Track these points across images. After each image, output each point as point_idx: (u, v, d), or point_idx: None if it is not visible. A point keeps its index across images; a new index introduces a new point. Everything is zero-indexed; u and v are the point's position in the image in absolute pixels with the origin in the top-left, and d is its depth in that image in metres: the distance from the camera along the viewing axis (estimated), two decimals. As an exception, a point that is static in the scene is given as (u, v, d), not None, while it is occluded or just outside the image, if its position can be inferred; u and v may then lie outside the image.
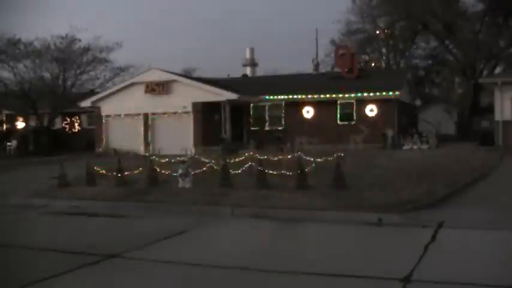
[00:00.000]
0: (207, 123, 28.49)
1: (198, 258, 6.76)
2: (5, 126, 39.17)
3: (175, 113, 28.86)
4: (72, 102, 33.04)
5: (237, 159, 14.38)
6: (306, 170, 12.00)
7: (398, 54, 45.85)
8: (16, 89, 33.74)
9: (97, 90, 35.02)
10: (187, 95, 28.49)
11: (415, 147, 25.96)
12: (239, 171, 13.05)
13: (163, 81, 29.18)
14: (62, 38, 33.22)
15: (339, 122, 29.45)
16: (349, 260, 6.60)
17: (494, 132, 25.00)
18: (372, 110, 28.89)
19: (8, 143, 34.30)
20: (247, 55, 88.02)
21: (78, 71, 34.62)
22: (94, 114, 31.98)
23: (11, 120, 38.63)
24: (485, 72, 38.48)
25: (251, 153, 15.47)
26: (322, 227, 8.67)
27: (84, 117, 37.07)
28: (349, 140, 26.59)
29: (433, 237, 7.39)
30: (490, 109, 30.56)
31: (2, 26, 74.68)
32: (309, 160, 13.21)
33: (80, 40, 33.75)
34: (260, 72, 77.26)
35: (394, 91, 28.82)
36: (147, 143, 29.37)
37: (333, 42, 43.95)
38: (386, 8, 41.67)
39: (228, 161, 12.90)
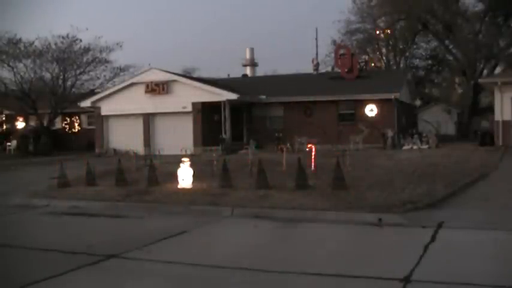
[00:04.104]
0: (207, 123, 28.48)
1: (198, 259, 6.77)
2: (5, 126, 39.15)
3: (175, 113, 28.84)
4: (72, 102, 33.05)
5: (237, 159, 14.38)
6: (306, 170, 11.99)
7: (398, 54, 45.83)
8: (16, 89, 33.73)
9: (97, 90, 35.00)
10: (187, 95, 28.48)
11: (415, 147, 25.93)
12: (239, 171, 13.05)
13: (163, 81, 29.18)
14: (63, 38, 33.22)
15: (339, 122, 29.47)
16: (349, 260, 6.60)
17: (494, 132, 25.00)
18: (371, 110, 28.89)
19: (8, 143, 34.30)
20: (247, 55, 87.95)
21: (78, 71, 34.61)
22: (94, 114, 31.97)
23: (11, 120, 38.62)
24: (485, 72, 38.46)
25: (251, 153, 15.48)
26: (322, 227, 8.67)
27: (84, 117, 37.07)
28: (349, 140, 26.57)
29: (433, 238, 7.40)
30: (490, 109, 30.59)
31: (2, 26, 74.73)
32: (309, 160, 13.22)
33: (80, 40, 33.76)
34: (260, 72, 77.33)
35: (394, 91, 28.84)
36: (147, 143, 29.35)
37: (333, 42, 43.93)
38: (387, 8, 41.65)
39: (228, 161, 12.90)
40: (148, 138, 29.63)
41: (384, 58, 46.89)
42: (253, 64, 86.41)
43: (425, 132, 30.56)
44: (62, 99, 33.58)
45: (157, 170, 13.56)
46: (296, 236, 8.39)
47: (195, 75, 49.89)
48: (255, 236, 8.40)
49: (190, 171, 12.60)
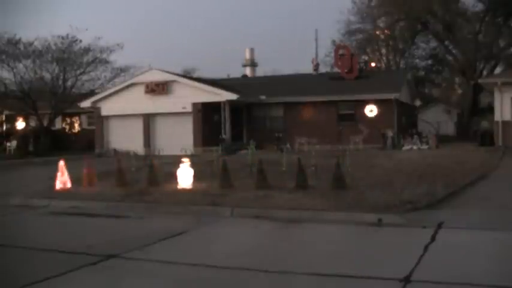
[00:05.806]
0: (207, 123, 28.50)
1: (198, 259, 6.76)
2: (5, 127, 39.16)
3: (175, 113, 28.87)
4: (72, 103, 33.09)
5: (237, 160, 14.37)
6: (306, 170, 11.98)
7: (398, 54, 45.89)
8: (16, 89, 33.75)
9: (97, 90, 35.04)
10: (187, 95, 28.51)
11: (414, 147, 25.96)
12: (239, 171, 13.03)
13: (163, 82, 29.21)
14: (63, 38, 33.25)
15: (338, 122, 29.47)
16: (349, 260, 6.60)
17: (494, 132, 25.01)
18: (371, 111, 28.91)
19: (8, 143, 34.30)
20: (247, 55, 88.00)
21: (78, 72, 34.64)
22: (94, 114, 32.00)
23: (11, 120, 38.63)
24: (485, 72, 38.51)
25: (250, 153, 15.47)
26: (322, 228, 8.67)
27: (84, 117, 37.10)
28: (349, 141, 26.61)
29: (433, 238, 7.39)
30: (489, 109, 30.60)
31: (2, 26, 74.71)
32: (309, 160, 13.21)
33: (80, 40, 33.82)
34: (260, 72, 77.36)
35: (394, 91, 28.86)
36: (147, 144, 29.38)
37: (333, 42, 44.00)
38: (386, 8, 41.71)
39: (227, 161, 12.89)
40: (148, 139, 29.65)
41: (384, 58, 46.94)
42: (253, 64, 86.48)
43: (425, 132, 30.60)
44: (62, 99, 33.60)
45: (157, 170, 13.55)
46: (296, 236, 8.38)
47: (195, 75, 49.89)
48: (255, 236, 8.40)
49: (190, 172, 12.58)
